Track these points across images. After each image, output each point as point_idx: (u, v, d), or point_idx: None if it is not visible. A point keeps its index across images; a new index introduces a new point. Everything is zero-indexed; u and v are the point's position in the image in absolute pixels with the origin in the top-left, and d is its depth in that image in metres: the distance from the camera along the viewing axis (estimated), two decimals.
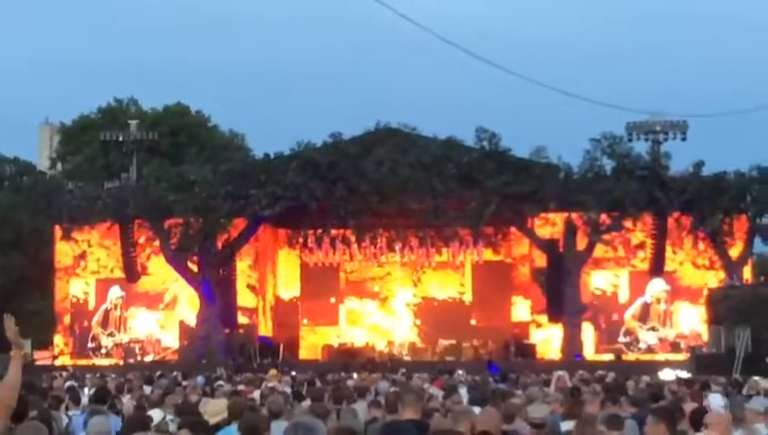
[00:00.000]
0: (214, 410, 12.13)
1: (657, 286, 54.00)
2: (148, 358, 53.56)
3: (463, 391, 19.59)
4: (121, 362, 52.41)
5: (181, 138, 71.59)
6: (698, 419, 12.08)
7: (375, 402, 14.99)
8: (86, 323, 55.55)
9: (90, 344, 55.30)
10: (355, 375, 31.43)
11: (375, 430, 10.78)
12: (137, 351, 54.51)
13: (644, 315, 54.08)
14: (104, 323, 55.54)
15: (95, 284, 55.78)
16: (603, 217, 51.71)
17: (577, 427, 11.07)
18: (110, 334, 55.41)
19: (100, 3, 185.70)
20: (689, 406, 14.27)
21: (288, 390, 21.83)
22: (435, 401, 16.28)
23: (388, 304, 57.11)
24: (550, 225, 53.22)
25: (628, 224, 52.43)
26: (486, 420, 10.78)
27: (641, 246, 53.52)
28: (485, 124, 53.07)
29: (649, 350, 53.30)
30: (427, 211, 51.25)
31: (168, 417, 12.92)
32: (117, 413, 15.70)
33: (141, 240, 54.36)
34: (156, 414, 13.02)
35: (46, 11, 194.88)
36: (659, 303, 54.08)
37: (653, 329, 54.03)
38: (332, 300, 57.32)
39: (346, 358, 49.39)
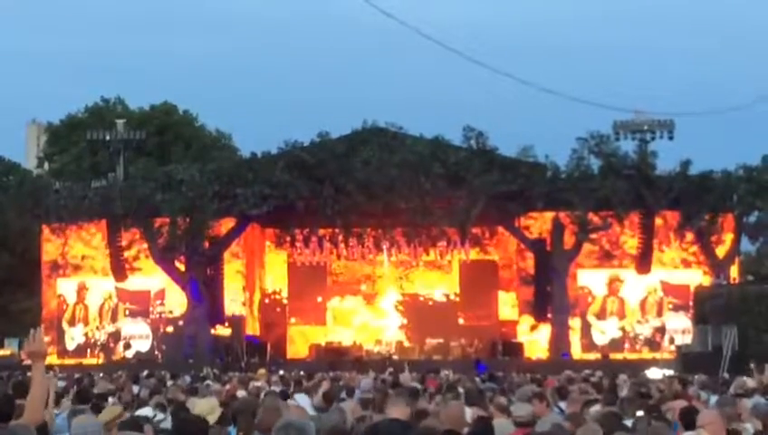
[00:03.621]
0: (204, 409, 12.04)
1: (643, 285, 54.13)
2: (129, 354, 53.57)
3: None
4: (107, 361, 52.34)
5: (168, 137, 71.55)
6: (689, 417, 12.12)
7: (362, 401, 15.02)
8: (73, 322, 55.46)
9: (76, 343, 55.20)
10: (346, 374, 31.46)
11: (362, 429, 10.80)
12: (123, 349, 54.40)
13: (631, 314, 54.20)
14: (91, 322, 55.46)
15: (82, 283, 55.69)
16: (590, 216, 51.78)
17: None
18: (97, 333, 55.33)
19: (88, 2, 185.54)
20: (677, 404, 14.29)
21: (277, 389, 21.84)
22: (423, 401, 16.29)
23: (376, 304, 57.16)
24: (537, 224, 53.28)
25: (615, 223, 52.50)
26: (450, 419, 10.67)
27: (628, 244, 53.58)
28: (472, 123, 53.16)
29: (636, 348, 53.45)
30: (414, 210, 51.23)
31: (159, 416, 12.91)
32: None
33: (128, 240, 54.28)
34: (146, 413, 13.01)
35: (34, 9, 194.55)
36: (646, 301, 54.21)
37: (639, 327, 54.15)
38: (320, 299, 57.36)
39: (333, 357, 49.45)
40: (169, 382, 24.89)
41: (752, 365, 27.03)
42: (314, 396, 18.86)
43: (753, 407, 13.54)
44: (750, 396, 17.66)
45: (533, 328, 53.81)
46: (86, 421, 10.66)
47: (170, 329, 54.46)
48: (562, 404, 16.22)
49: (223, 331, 53.15)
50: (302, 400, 15.56)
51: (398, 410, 11.43)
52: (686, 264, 53.90)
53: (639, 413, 13.76)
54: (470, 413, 12.76)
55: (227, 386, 23.32)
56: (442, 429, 9.91)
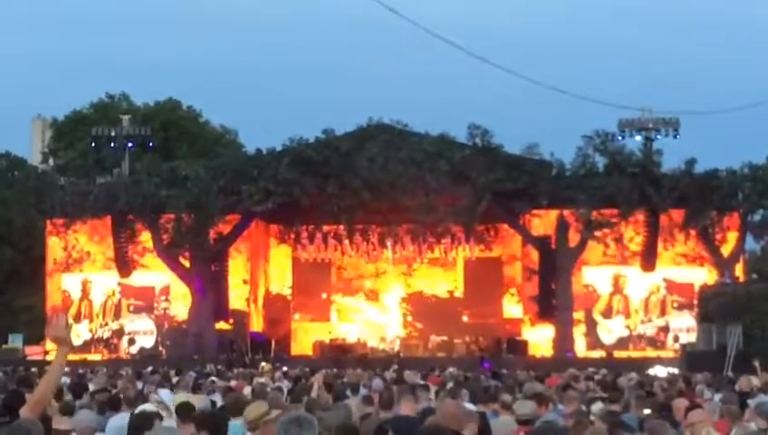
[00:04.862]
0: (255, 411, 11.40)
1: (648, 283, 54.06)
2: (134, 350, 53.68)
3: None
4: (113, 357, 52.39)
5: (173, 133, 71.51)
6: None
7: (368, 398, 15.00)
8: (78, 318, 55.46)
9: (82, 339, 55.19)
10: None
11: (370, 426, 10.75)
12: (127, 345, 54.47)
13: (635, 312, 54.16)
14: (95, 317, 55.50)
15: (87, 279, 55.71)
16: (595, 213, 51.72)
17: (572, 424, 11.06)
18: (102, 329, 55.36)
19: None
20: (681, 402, 14.29)
21: (281, 385, 21.85)
22: (426, 399, 16.27)
23: (380, 301, 57.16)
24: (542, 221, 53.23)
25: (620, 221, 52.42)
26: (446, 416, 10.59)
27: (633, 242, 53.51)
28: (477, 121, 53.17)
29: (640, 346, 53.41)
30: (419, 207, 51.20)
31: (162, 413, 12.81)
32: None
33: (133, 235, 54.27)
34: (148, 408, 12.94)
35: (38, 5, 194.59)
36: (649, 300, 54.16)
37: (644, 326, 54.11)
38: (324, 296, 57.36)
39: (338, 354, 49.46)
40: (174, 379, 24.86)
41: (756, 363, 26.93)
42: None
43: (757, 406, 13.52)
44: (753, 395, 17.64)
45: (533, 322, 53.77)
46: (123, 418, 10.55)
47: (174, 325, 54.47)
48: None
49: (227, 327, 53.16)
50: (164, 395, 15.49)
51: (408, 407, 11.44)
52: (691, 262, 53.83)
53: (647, 411, 13.75)
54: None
55: (232, 382, 23.31)
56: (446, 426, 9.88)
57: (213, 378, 25.87)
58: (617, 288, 54.36)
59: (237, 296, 54.33)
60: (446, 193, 51.18)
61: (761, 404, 13.63)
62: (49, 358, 51.56)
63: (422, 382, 22.59)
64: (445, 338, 53.41)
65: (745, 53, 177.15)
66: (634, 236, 53.30)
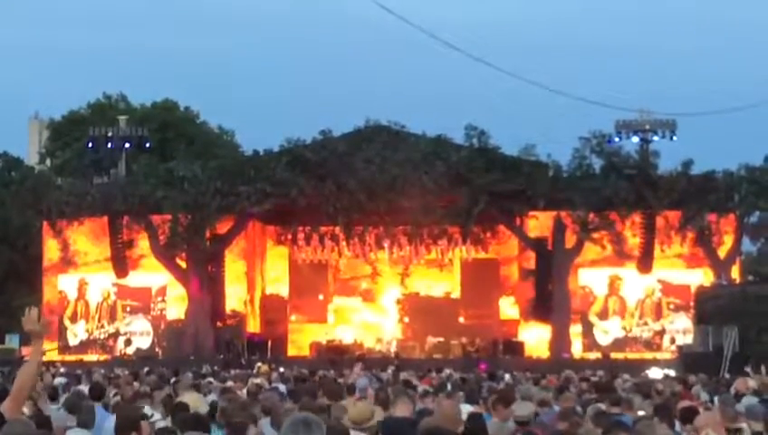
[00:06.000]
0: (360, 415, 10.96)
1: (645, 285, 54.05)
2: (130, 351, 53.67)
3: None
4: (109, 358, 52.36)
5: (170, 134, 71.54)
6: (688, 416, 12.18)
7: (361, 399, 15.01)
8: (75, 319, 55.41)
9: (79, 340, 55.18)
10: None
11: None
12: (123, 346, 54.42)
13: (632, 314, 54.13)
14: (92, 318, 55.44)
15: (83, 279, 55.65)
16: (592, 215, 51.73)
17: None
18: (98, 330, 55.32)
19: None
20: (685, 404, 14.32)
21: (278, 386, 21.85)
22: (425, 400, 16.29)
23: (377, 302, 57.09)
24: (538, 223, 53.20)
25: (617, 222, 52.43)
26: (444, 417, 10.56)
27: (629, 244, 53.48)
28: (475, 122, 53.17)
29: (637, 348, 53.40)
30: (416, 209, 51.20)
31: (157, 415, 12.82)
32: (106, 408, 15.75)
33: (130, 236, 54.25)
34: (145, 411, 12.94)
35: (37, 4, 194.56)
36: (647, 301, 54.14)
37: (640, 327, 54.11)
38: (321, 297, 57.29)
39: (334, 355, 49.42)
40: (173, 380, 24.85)
41: (747, 368, 26.70)
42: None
43: (746, 409, 13.56)
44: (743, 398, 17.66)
45: (527, 319, 53.74)
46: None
47: (171, 326, 54.41)
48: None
49: (223, 328, 53.12)
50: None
51: (403, 408, 11.44)
52: (688, 264, 53.83)
53: (641, 413, 13.79)
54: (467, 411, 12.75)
55: (228, 383, 23.31)
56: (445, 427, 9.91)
57: (210, 379, 25.87)
58: (613, 290, 54.32)
59: (234, 297, 54.28)
60: (442, 194, 51.21)
61: (750, 407, 13.68)
62: (45, 359, 51.63)
63: (417, 383, 22.61)
64: (441, 339, 53.33)
65: (743, 53, 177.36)
66: (630, 238, 53.28)
